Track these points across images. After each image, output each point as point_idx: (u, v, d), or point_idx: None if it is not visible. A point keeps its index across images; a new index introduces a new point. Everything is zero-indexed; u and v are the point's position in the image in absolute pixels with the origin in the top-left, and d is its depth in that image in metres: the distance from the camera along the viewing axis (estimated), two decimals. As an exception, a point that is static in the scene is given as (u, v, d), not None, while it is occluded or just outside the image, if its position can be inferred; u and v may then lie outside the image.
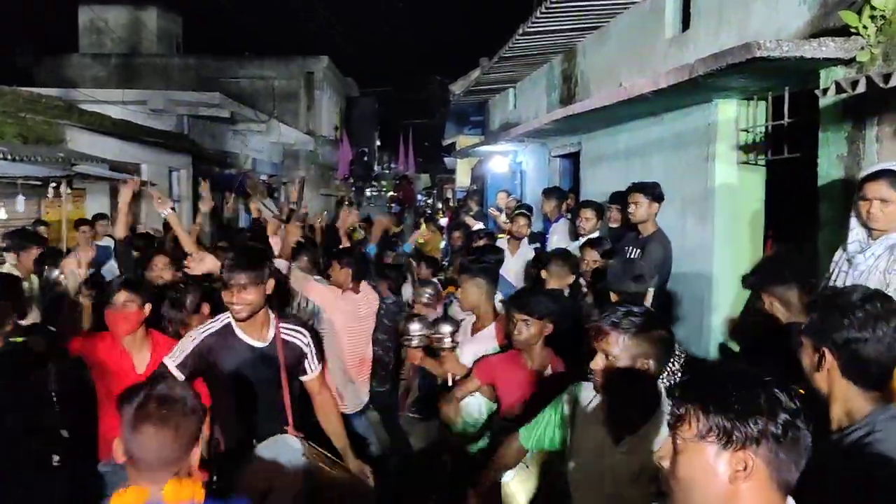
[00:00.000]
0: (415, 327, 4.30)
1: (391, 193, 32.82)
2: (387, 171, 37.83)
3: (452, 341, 4.23)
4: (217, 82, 20.65)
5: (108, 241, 8.66)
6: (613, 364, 2.36)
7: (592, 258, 5.03)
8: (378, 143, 39.29)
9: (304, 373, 3.57)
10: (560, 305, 3.79)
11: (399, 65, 54.35)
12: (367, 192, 32.01)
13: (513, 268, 6.51)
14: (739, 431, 1.39)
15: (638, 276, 5.23)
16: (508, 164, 13.41)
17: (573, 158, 9.71)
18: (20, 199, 8.02)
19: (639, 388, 2.38)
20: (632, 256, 5.36)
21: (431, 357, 4.39)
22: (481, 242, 6.59)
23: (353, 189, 30.07)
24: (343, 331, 4.99)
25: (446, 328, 4.26)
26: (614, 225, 6.18)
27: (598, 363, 2.39)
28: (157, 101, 14.73)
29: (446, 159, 24.89)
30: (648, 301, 5.44)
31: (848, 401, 1.98)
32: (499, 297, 4.49)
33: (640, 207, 5.43)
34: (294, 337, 3.50)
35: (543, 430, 2.83)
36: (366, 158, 31.54)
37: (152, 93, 15.57)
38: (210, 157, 16.20)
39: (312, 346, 3.55)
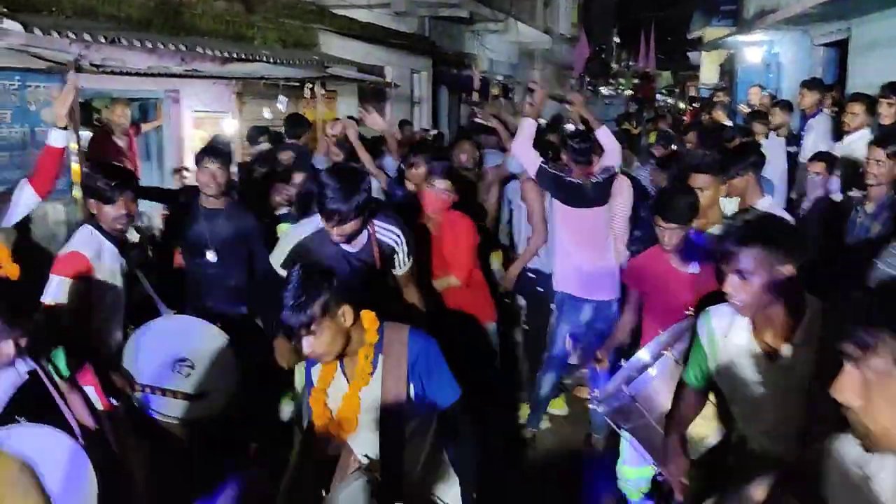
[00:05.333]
0: None
1: (628, 92, 31.57)
2: (626, 69, 36.32)
3: None
4: (456, -18, 20.71)
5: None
6: (751, 281, 2.21)
7: (877, 158, 4.20)
8: (616, 39, 37.70)
9: (394, 268, 3.58)
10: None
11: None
12: (604, 91, 31.00)
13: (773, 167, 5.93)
14: None
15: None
16: (762, 56, 12.33)
17: (840, 47, 8.68)
18: (283, 99, 8.72)
19: (782, 296, 2.24)
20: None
21: None
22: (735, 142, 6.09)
23: (590, 89, 29.31)
24: None
25: None
26: (887, 122, 5.42)
27: (733, 284, 2.24)
28: (399, 3, 15.12)
29: (690, 54, 23.37)
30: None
31: None
32: (767, 200, 4.21)
33: None
34: (386, 235, 3.47)
35: (698, 368, 2.61)
36: (603, 56, 30.48)
37: (395, -5, 15.98)
38: (449, 59, 16.47)
39: (404, 243, 3.52)
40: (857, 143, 5.33)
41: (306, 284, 2.34)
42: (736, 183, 4.19)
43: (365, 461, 2.55)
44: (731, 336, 2.43)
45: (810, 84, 7.21)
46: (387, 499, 2.45)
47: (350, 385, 2.53)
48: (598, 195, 4.80)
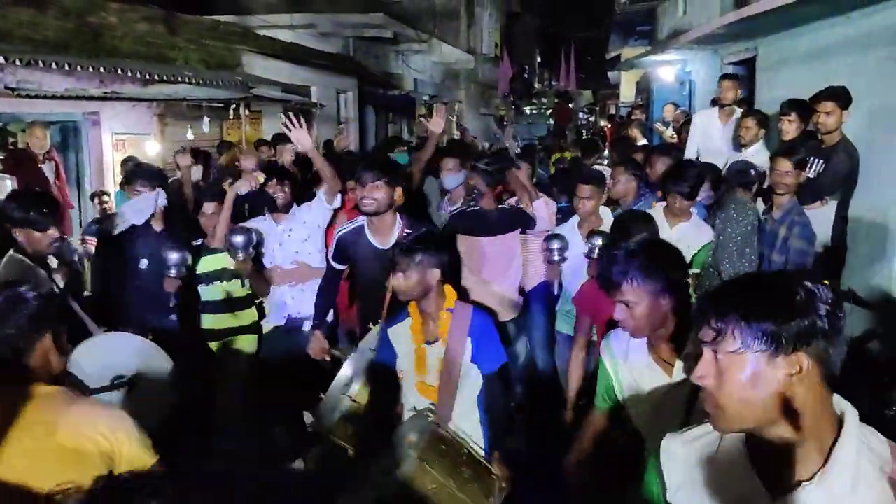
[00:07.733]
0: (556, 245, 4.56)
1: (550, 112, 32.24)
2: (548, 89, 37.08)
3: (561, 256, 4.54)
4: (380, 3, 20.85)
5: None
6: (635, 310, 2.30)
7: (785, 169, 4.47)
8: (539, 59, 38.49)
9: None
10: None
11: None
12: (527, 111, 31.54)
13: None
14: (788, 333, 1.31)
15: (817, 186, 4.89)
16: (676, 74, 12.80)
17: (748, 65, 9.09)
18: (206, 120, 8.65)
19: (670, 315, 2.33)
20: (815, 168, 5.01)
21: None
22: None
23: (513, 107, 29.79)
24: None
25: (556, 244, 4.55)
26: (788, 137, 5.69)
27: (620, 312, 2.34)
28: (324, 25, 15.14)
29: (610, 73, 24.05)
30: (831, 215, 5.08)
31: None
32: (695, 217, 4.43)
33: (832, 116, 5.01)
34: None
35: (605, 389, 2.69)
36: (526, 76, 31.06)
37: (320, 16, 15.99)
38: (375, 79, 16.56)
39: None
40: (755, 157, 5.63)
41: (414, 243, 3.01)
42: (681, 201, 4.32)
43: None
44: (631, 357, 2.50)
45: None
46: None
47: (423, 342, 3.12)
48: (498, 223, 4.76)
